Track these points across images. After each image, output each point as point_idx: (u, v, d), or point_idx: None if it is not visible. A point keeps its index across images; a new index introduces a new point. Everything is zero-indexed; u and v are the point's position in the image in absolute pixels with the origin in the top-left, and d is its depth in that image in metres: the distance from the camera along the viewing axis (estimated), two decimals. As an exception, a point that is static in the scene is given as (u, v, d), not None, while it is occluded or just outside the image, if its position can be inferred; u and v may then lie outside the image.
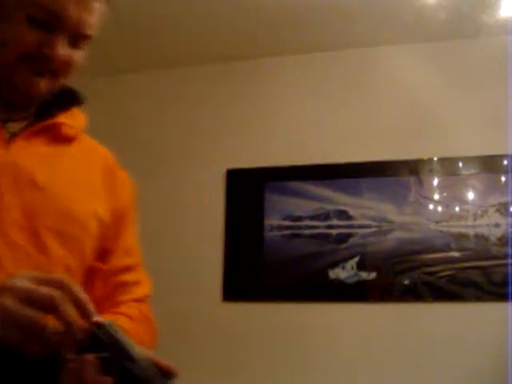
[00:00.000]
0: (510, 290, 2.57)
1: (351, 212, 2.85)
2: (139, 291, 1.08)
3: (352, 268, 2.79)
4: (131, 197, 1.11)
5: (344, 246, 2.82)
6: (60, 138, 0.99)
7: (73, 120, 1.02)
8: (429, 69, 2.89)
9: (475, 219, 2.71)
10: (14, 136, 0.94)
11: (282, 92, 3.09)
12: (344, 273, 2.79)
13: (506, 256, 2.62)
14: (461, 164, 2.78)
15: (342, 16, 2.75)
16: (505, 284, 2.59)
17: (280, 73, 3.11)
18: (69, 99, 1.03)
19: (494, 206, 2.70)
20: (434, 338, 2.64)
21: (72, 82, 1.08)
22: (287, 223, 2.91)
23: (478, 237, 2.68)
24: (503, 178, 2.71)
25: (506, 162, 2.71)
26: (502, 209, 2.68)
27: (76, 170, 1.00)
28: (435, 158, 2.81)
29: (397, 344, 2.68)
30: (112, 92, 3.19)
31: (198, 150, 3.11)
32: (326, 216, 2.87)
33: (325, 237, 2.86)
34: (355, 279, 2.78)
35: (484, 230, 2.68)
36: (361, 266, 2.78)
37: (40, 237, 0.92)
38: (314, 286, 2.82)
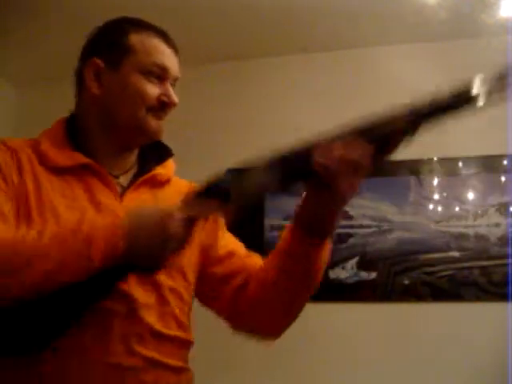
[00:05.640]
0: (509, 290, 2.57)
1: (351, 212, 2.85)
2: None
3: (352, 268, 2.79)
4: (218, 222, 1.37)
5: (344, 246, 2.82)
6: (157, 184, 1.27)
7: (165, 169, 1.29)
8: (429, 69, 2.89)
9: (475, 219, 2.71)
10: (124, 189, 1.21)
11: (282, 92, 3.09)
12: (344, 273, 2.79)
13: (506, 256, 2.62)
14: (461, 164, 2.78)
15: (342, 16, 2.75)
16: (505, 284, 2.59)
17: (280, 73, 3.11)
18: (161, 153, 1.30)
19: (493, 206, 2.70)
20: (434, 337, 2.64)
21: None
22: (288, 223, 2.90)
23: (477, 237, 2.68)
24: (503, 178, 2.71)
25: (505, 162, 2.71)
26: (502, 209, 2.68)
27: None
28: (435, 158, 2.81)
29: (397, 344, 2.68)
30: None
31: (197, 149, 3.11)
32: (326, 216, 2.87)
33: (325, 237, 2.85)
34: (355, 279, 2.78)
35: (484, 230, 2.68)
36: (361, 266, 2.78)
37: None
38: (313, 285, 2.82)
